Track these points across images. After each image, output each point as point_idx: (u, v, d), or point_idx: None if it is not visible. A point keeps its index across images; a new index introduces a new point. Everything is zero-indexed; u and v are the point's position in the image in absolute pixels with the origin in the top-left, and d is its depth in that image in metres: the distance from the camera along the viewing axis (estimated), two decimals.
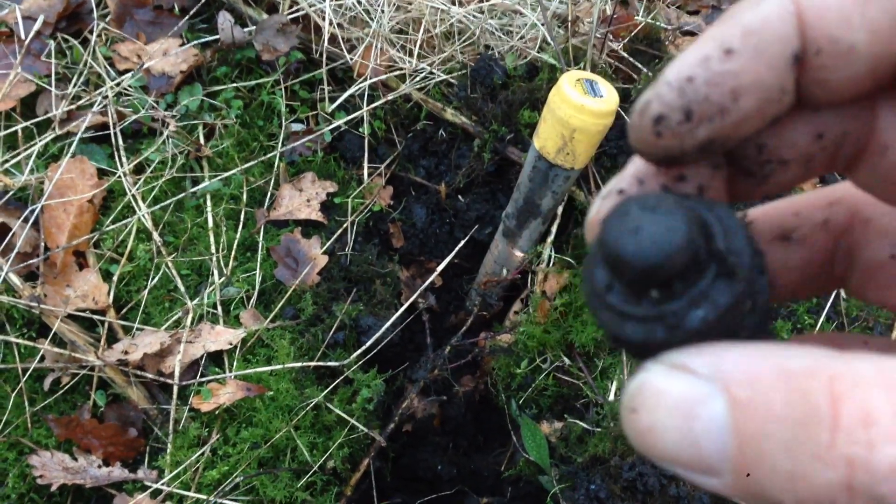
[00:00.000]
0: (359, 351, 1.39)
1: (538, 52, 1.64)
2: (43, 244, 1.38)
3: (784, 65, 0.29)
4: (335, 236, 1.54)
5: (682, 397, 0.26)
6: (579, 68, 1.60)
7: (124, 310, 1.41)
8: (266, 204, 1.54)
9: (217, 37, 1.63)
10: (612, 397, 1.35)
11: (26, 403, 1.30)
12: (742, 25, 0.29)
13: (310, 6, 1.64)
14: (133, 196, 1.48)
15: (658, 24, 1.73)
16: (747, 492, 0.25)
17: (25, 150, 1.48)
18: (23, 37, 1.57)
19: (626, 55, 1.67)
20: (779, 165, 0.35)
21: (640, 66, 1.65)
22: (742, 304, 0.29)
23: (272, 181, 1.56)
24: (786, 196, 0.40)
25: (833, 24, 0.29)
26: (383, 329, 1.42)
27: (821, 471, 0.23)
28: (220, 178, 1.52)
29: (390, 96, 1.62)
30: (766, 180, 0.35)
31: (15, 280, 1.33)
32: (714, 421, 0.25)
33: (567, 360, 1.41)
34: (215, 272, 1.44)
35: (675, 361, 0.27)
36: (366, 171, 1.62)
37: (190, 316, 1.39)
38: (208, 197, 1.52)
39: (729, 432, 0.25)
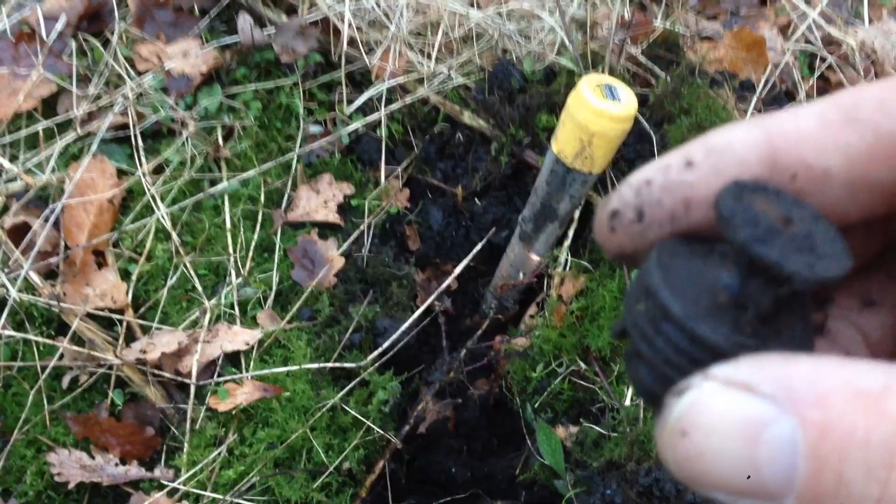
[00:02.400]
0: (375, 353, 1.40)
1: (556, 57, 1.64)
2: (63, 243, 1.39)
3: None
4: (352, 238, 1.54)
5: (745, 419, 0.24)
6: (598, 72, 1.60)
7: (142, 309, 1.42)
8: (283, 205, 1.55)
9: (237, 38, 1.63)
10: (627, 402, 1.35)
11: (45, 401, 1.31)
12: (707, 143, 0.30)
13: (329, 9, 1.65)
14: (152, 196, 1.48)
15: (676, 29, 1.73)
16: None
17: (47, 149, 1.49)
18: (44, 37, 1.59)
19: (644, 60, 1.67)
20: None
21: (658, 70, 1.65)
22: (677, 327, 0.28)
23: (290, 183, 1.57)
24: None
25: (806, 150, 0.29)
26: (399, 331, 1.42)
27: None
28: (238, 178, 1.53)
29: (408, 99, 1.62)
30: None
31: (35, 278, 1.34)
32: (782, 445, 0.24)
33: (583, 365, 1.41)
34: (233, 273, 1.45)
35: (732, 378, 0.25)
36: (383, 174, 1.62)
37: (207, 316, 1.39)
38: (226, 198, 1.52)
39: (801, 457, 0.23)
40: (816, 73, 1.81)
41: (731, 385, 0.25)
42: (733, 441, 0.24)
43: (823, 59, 1.81)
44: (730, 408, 0.24)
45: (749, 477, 0.24)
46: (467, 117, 1.61)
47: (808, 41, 1.82)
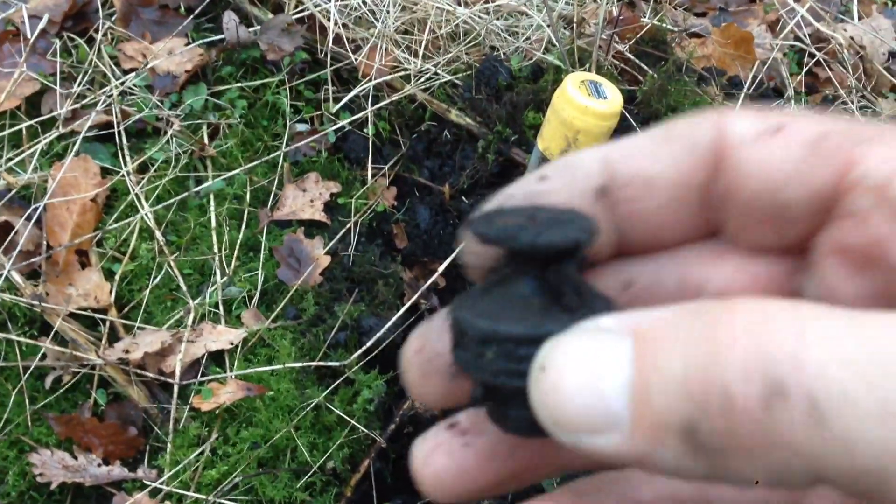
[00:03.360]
0: (360, 351, 1.39)
1: (543, 54, 1.63)
2: (45, 242, 1.38)
3: (591, 196, 0.33)
4: (338, 237, 1.53)
5: (593, 350, 0.26)
6: (584, 70, 1.59)
7: (126, 309, 1.41)
8: (269, 204, 1.54)
9: (222, 36, 1.63)
10: None
11: (27, 402, 1.30)
12: (558, 162, 0.34)
13: (315, 6, 1.64)
14: (136, 195, 1.48)
15: (664, 25, 1.72)
16: (645, 444, 0.24)
17: (29, 148, 1.48)
18: (28, 35, 1.58)
19: (631, 57, 1.66)
20: None
21: (645, 67, 1.65)
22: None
23: (276, 181, 1.56)
24: None
25: (636, 160, 0.32)
26: (384, 329, 1.41)
27: (716, 362, 0.22)
28: (223, 177, 1.52)
29: (395, 97, 1.62)
30: None
31: (17, 278, 1.33)
32: (620, 366, 0.25)
33: None
34: (217, 272, 1.44)
35: (591, 324, 0.27)
36: (370, 172, 1.62)
37: (191, 315, 1.39)
38: (212, 196, 1.52)
39: (630, 365, 0.24)
40: (805, 70, 1.80)
41: (588, 328, 0.27)
42: (581, 372, 0.25)
43: (812, 56, 1.81)
44: (581, 344, 0.26)
45: (596, 406, 0.25)
46: (454, 115, 1.60)
47: (796, 38, 1.82)
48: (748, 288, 0.34)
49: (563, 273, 0.31)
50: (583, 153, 0.34)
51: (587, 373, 0.25)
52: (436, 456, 0.34)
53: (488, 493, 0.34)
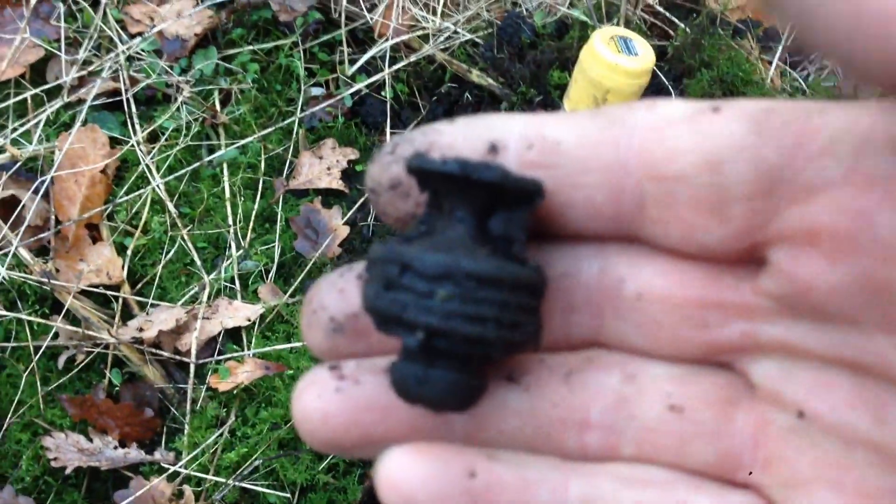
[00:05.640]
0: None
1: (568, 9, 1.56)
2: (54, 217, 1.33)
3: (482, 149, 0.30)
4: (357, 206, 1.47)
5: None
6: (612, 24, 1.52)
7: (139, 284, 1.36)
8: (285, 172, 1.49)
9: None
10: None
11: (39, 383, 1.26)
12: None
13: None
14: (147, 166, 1.42)
15: None
16: None
17: (34, 118, 1.43)
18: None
19: (661, 10, 1.59)
20: None
21: (676, 21, 1.57)
22: None
23: (291, 148, 1.50)
24: None
25: (551, 124, 0.30)
26: None
27: None
28: (236, 145, 1.46)
29: (413, 58, 1.54)
30: None
31: (25, 255, 1.29)
32: None
33: None
34: (233, 245, 1.39)
35: None
36: (388, 137, 1.55)
37: (207, 291, 1.34)
38: (225, 166, 1.46)
39: None
40: None
41: None
42: None
43: None
44: None
45: None
46: (475, 76, 1.53)
47: None
48: (674, 292, 0.29)
49: (515, 221, 0.29)
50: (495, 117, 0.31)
51: None
52: (307, 395, 0.30)
53: (356, 449, 0.31)
